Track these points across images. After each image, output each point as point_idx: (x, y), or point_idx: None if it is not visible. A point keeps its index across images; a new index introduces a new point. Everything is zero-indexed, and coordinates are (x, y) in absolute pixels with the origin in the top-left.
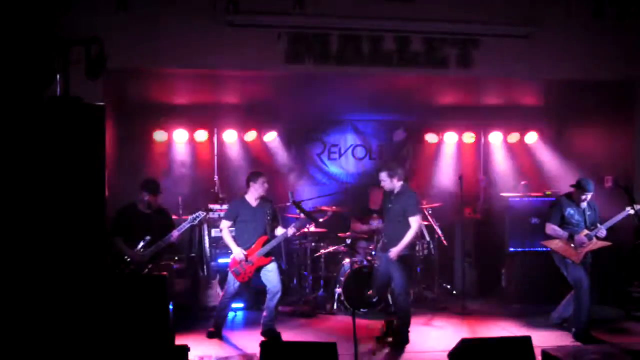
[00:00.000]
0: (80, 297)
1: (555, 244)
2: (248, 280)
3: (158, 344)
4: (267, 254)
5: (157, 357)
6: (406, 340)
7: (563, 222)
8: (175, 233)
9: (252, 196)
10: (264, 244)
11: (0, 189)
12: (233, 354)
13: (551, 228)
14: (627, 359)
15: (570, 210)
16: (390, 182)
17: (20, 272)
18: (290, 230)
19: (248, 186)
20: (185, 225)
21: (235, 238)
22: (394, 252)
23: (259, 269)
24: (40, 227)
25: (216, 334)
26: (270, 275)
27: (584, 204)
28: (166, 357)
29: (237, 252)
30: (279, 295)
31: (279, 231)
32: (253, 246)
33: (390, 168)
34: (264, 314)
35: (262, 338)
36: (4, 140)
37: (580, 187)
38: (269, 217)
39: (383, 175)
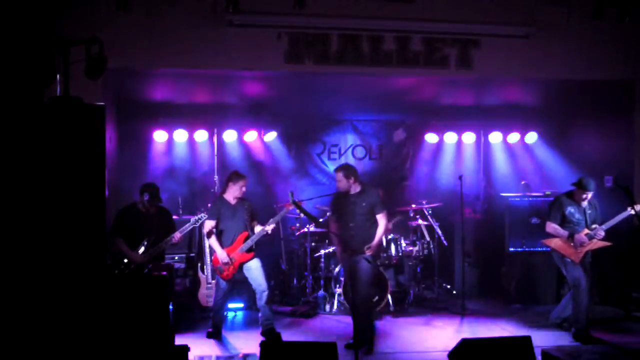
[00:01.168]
0: (81, 297)
1: (555, 243)
2: (232, 277)
3: (158, 344)
4: (249, 250)
5: (157, 357)
6: (365, 343)
7: (564, 221)
8: (177, 235)
9: (230, 195)
10: (245, 240)
11: (1, 189)
12: (233, 354)
13: (552, 227)
14: (627, 359)
15: (570, 209)
16: (347, 182)
17: (21, 272)
18: (269, 227)
19: (227, 185)
20: (187, 227)
21: (217, 236)
22: (372, 246)
23: (241, 266)
24: (41, 227)
25: (215, 334)
26: (255, 273)
27: (584, 203)
28: (166, 357)
29: (222, 255)
30: (266, 293)
31: (257, 228)
32: (234, 243)
33: (346, 168)
34: (259, 314)
35: (262, 338)
36: (4, 140)
37: (581, 186)
38: (246, 215)
39: (339, 175)
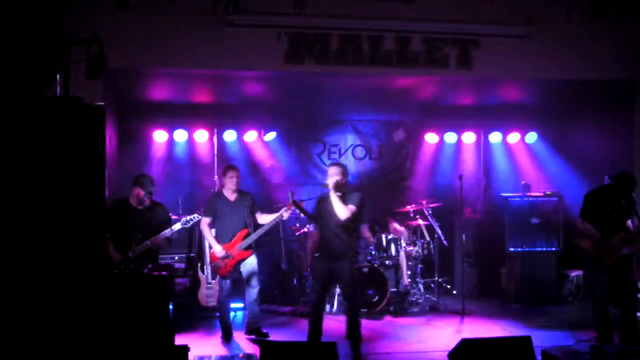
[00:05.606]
0: (81, 297)
1: None
2: (229, 274)
3: (158, 344)
4: (247, 247)
5: (157, 357)
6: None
7: None
8: (156, 238)
9: (228, 190)
10: (244, 238)
11: (0, 190)
12: (233, 354)
13: None
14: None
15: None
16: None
17: (21, 272)
18: (285, 214)
19: (223, 181)
20: (167, 233)
21: (216, 232)
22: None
23: (239, 264)
24: (41, 227)
25: (226, 335)
26: (249, 269)
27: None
28: (166, 357)
29: (218, 250)
30: (256, 290)
31: (264, 218)
32: (233, 240)
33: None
34: (246, 312)
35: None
36: (4, 140)
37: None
38: (247, 211)
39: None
